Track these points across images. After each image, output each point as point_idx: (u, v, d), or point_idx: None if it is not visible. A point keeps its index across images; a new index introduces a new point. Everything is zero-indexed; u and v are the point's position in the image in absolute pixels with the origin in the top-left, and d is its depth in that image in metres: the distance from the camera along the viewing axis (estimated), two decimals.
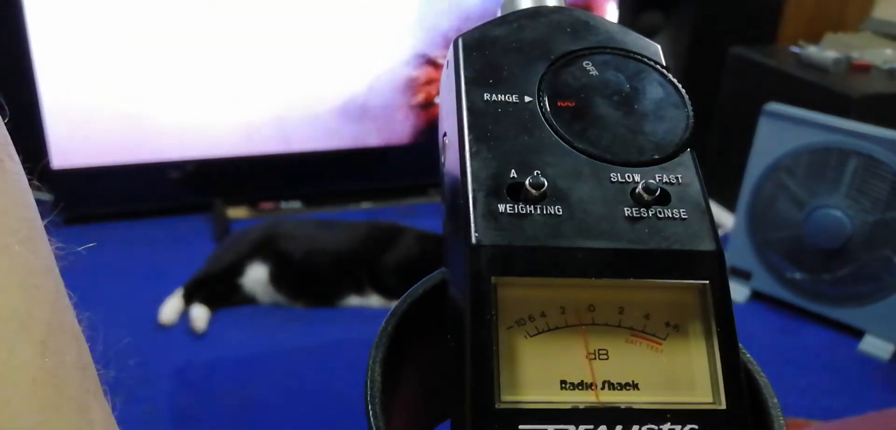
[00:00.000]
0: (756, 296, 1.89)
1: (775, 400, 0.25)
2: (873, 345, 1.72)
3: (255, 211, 2.21)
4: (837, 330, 1.79)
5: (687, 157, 0.25)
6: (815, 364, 1.71)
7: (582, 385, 0.22)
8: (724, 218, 2.11)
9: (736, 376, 0.22)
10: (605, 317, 0.23)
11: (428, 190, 2.34)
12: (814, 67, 2.00)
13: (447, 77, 0.29)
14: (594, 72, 0.27)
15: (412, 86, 2.24)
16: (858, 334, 1.76)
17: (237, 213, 2.17)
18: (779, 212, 1.79)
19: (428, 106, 2.27)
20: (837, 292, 1.77)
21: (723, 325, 0.22)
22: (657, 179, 0.24)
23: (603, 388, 0.22)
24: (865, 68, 2.01)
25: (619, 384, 0.22)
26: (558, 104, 0.26)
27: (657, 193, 0.24)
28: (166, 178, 2.11)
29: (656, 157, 0.25)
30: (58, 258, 0.24)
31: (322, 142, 2.21)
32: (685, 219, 0.24)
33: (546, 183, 0.23)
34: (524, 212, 0.23)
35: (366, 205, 2.28)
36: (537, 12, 0.30)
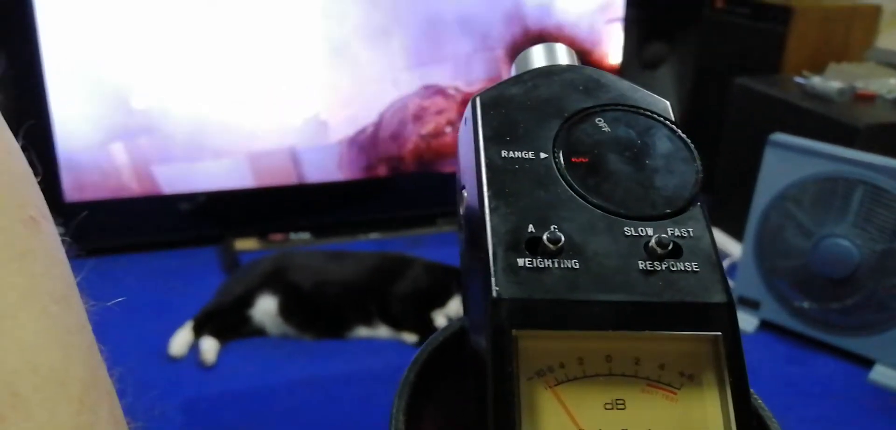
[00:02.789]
0: (764, 325, 1.89)
1: None
2: (884, 375, 1.71)
3: (265, 243, 2.23)
4: (847, 360, 1.78)
5: (697, 210, 0.26)
6: (824, 394, 1.70)
7: None
8: (732, 247, 2.11)
9: (748, 425, 0.23)
10: (622, 368, 0.24)
11: (436, 220, 2.35)
12: (818, 97, 2.02)
13: (465, 133, 0.30)
14: (606, 128, 0.29)
15: (422, 116, 2.26)
16: (868, 363, 1.75)
17: (246, 244, 2.19)
18: (786, 241, 1.80)
19: (437, 136, 2.30)
20: (846, 322, 1.76)
21: (735, 375, 0.23)
22: (669, 233, 0.25)
23: None
24: (870, 98, 2.02)
25: None
26: (572, 160, 0.27)
27: (670, 247, 0.25)
28: (176, 210, 2.13)
29: (668, 211, 0.26)
30: (88, 311, 0.25)
31: (331, 173, 2.24)
32: (697, 272, 0.25)
33: (563, 237, 0.24)
34: (542, 266, 0.24)
35: (374, 235, 2.29)
36: (550, 71, 0.31)
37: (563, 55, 0.33)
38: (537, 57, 0.33)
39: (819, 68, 2.20)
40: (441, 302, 1.81)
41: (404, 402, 0.28)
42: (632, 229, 0.26)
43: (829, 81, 2.04)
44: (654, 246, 0.25)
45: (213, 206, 2.16)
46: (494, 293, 0.24)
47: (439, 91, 2.26)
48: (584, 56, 2.35)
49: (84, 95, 1.96)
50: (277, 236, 2.25)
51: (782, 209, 1.79)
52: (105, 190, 2.05)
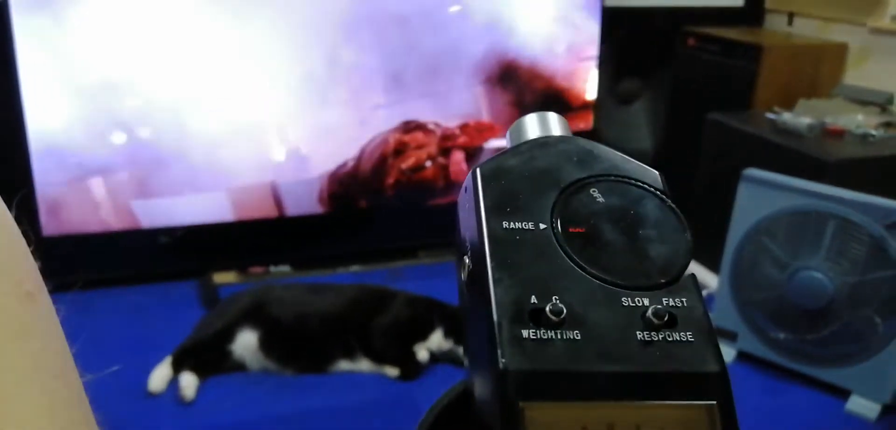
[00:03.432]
0: (741, 356, 1.91)
1: None
2: (860, 405, 1.75)
3: (244, 276, 2.21)
4: (824, 390, 1.81)
5: (689, 279, 0.28)
6: (801, 425, 1.73)
7: None
8: (709, 279, 2.15)
9: None
10: None
11: (417, 253, 2.36)
12: (789, 132, 2.07)
13: (465, 201, 0.32)
14: (600, 199, 0.30)
15: (402, 150, 2.28)
16: (845, 393, 1.78)
17: (226, 278, 2.17)
18: (761, 273, 1.83)
19: (417, 170, 2.31)
20: (822, 353, 1.80)
21: None
22: (664, 303, 0.27)
23: None
24: (839, 133, 2.08)
25: None
26: (570, 230, 0.29)
27: (666, 318, 0.26)
28: (155, 244, 2.12)
29: (662, 281, 0.27)
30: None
31: (312, 206, 2.24)
32: (692, 342, 0.26)
33: (564, 309, 0.26)
34: (546, 337, 0.25)
35: (355, 268, 2.29)
36: (546, 142, 0.32)
37: (556, 124, 0.35)
38: (531, 126, 0.35)
39: (789, 104, 2.26)
40: (423, 335, 1.82)
41: None
42: (629, 299, 0.27)
43: (799, 117, 2.10)
44: (651, 317, 0.26)
45: (193, 239, 2.15)
46: (502, 365, 0.24)
47: (419, 127, 2.28)
48: (562, 93, 2.40)
49: (62, 128, 1.95)
50: (257, 269, 2.24)
51: (757, 242, 1.83)
52: (83, 224, 2.02)
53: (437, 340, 1.82)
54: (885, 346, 1.71)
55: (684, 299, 0.27)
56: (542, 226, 0.28)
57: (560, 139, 0.33)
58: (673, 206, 0.30)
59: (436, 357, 1.82)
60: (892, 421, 1.69)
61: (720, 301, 1.92)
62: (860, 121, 2.13)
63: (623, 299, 0.27)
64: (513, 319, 0.26)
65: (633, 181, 0.31)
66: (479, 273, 0.28)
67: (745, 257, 1.86)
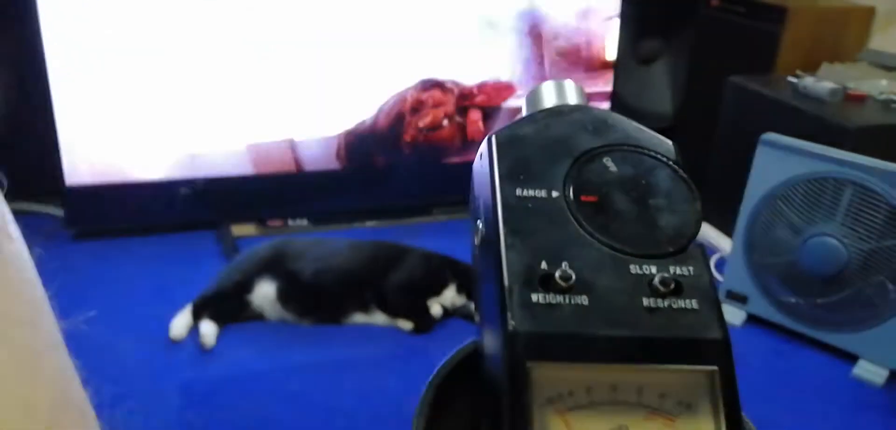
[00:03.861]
0: (752, 319, 1.93)
1: None
2: (867, 370, 1.76)
3: (263, 229, 2.25)
4: (832, 354, 1.82)
5: (697, 249, 0.29)
6: (808, 388, 1.75)
7: None
8: (722, 242, 2.15)
9: None
10: (626, 396, 0.26)
11: (432, 210, 2.38)
12: (810, 98, 2.05)
13: (480, 168, 0.33)
14: (613, 168, 0.31)
15: (420, 108, 2.28)
16: (852, 358, 1.79)
17: (245, 230, 2.21)
18: (775, 238, 1.83)
19: (434, 129, 2.31)
20: (832, 317, 1.80)
21: (729, 404, 0.26)
22: (671, 272, 0.28)
23: None
24: (861, 99, 2.05)
25: None
26: (582, 199, 0.30)
27: (672, 286, 0.27)
28: (175, 195, 2.15)
29: (670, 249, 0.29)
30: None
31: (329, 162, 2.25)
32: (696, 309, 0.27)
33: (574, 275, 0.27)
34: (555, 302, 0.27)
35: (371, 223, 2.31)
36: (560, 111, 0.33)
37: (572, 92, 0.36)
38: (548, 93, 0.36)
39: (813, 68, 2.23)
40: (436, 291, 1.84)
41: (423, 422, 0.31)
42: (637, 267, 0.28)
43: (821, 82, 2.07)
44: (658, 284, 0.27)
45: (212, 192, 2.17)
46: (511, 327, 0.26)
47: (437, 85, 2.27)
48: (581, 52, 2.37)
49: (85, 79, 1.97)
50: (276, 223, 2.27)
51: (772, 207, 1.83)
52: (104, 175, 2.06)
53: (450, 295, 1.84)
54: (895, 312, 1.71)
55: (691, 268, 0.28)
56: (554, 194, 0.30)
57: (575, 108, 0.34)
58: (685, 176, 0.31)
59: (448, 312, 1.86)
60: None
61: (732, 264, 1.93)
62: (884, 86, 2.09)
63: (631, 266, 0.28)
64: (523, 283, 0.27)
65: (646, 151, 0.31)
66: (492, 238, 0.29)
67: (759, 221, 1.86)
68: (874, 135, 1.90)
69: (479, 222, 0.32)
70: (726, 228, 2.06)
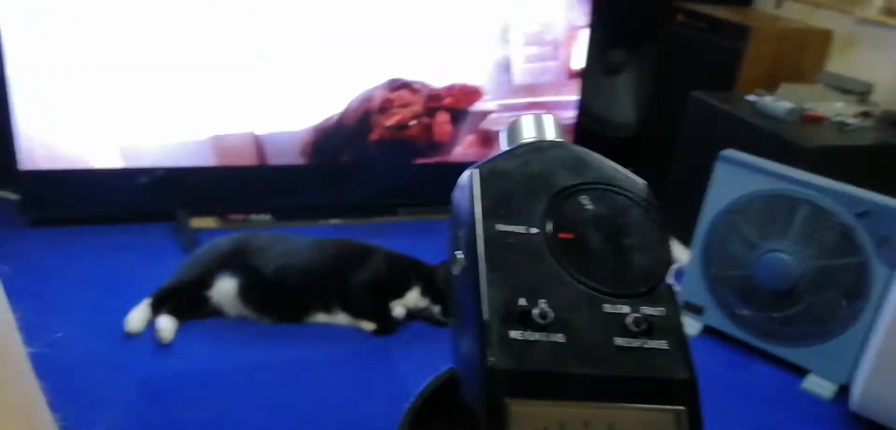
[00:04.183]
0: (707, 330, 1.97)
1: None
2: (817, 384, 1.82)
3: (224, 222, 2.21)
4: (783, 368, 1.88)
5: (667, 289, 0.30)
6: (760, 399, 1.80)
7: None
8: (680, 253, 2.20)
9: None
10: None
11: (397, 210, 2.37)
12: (768, 116, 2.10)
13: (461, 198, 0.33)
14: (589, 206, 0.32)
15: (387, 108, 2.27)
16: (803, 372, 1.85)
17: (205, 223, 2.17)
18: (732, 252, 1.88)
19: (402, 128, 2.31)
20: (784, 332, 1.86)
21: None
22: (643, 312, 0.29)
23: None
24: (818, 120, 2.12)
25: None
26: (559, 236, 0.31)
27: (644, 327, 0.28)
28: (134, 184, 2.10)
29: (642, 289, 0.30)
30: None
31: (294, 158, 2.23)
32: (666, 350, 0.28)
33: (551, 313, 0.28)
34: (532, 339, 0.27)
35: (336, 221, 2.30)
36: (539, 147, 0.34)
37: (551, 127, 0.37)
38: (527, 126, 0.37)
39: (773, 86, 2.29)
40: (399, 293, 1.84)
41: None
42: (610, 306, 0.29)
43: (779, 101, 2.13)
44: (630, 325, 0.28)
45: (173, 182, 2.13)
46: (490, 363, 0.27)
47: (405, 85, 2.27)
48: (549, 60, 2.40)
49: (44, 63, 1.91)
50: (237, 217, 2.24)
51: (730, 222, 1.88)
52: (61, 161, 2.00)
53: (413, 297, 1.84)
54: (845, 329, 1.77)
55: (662, 309, 0.29)
56: (533, 230, 0.30)
57: (554, 144, 0.35)
58: (656, 217, 0.32)
59: (412, 314, 1.86)
60: (845, 401, 1.76)
61: (690, 276, 1.97)
62: (839, 109, 2.16)
63: (605, 305, 0.29)
64: (502, 319, 0.28)
65: (620, 191, 0.32)
66: (472, 271, 0.29)
67: (717, 234, 1.90)
68: (829, 155, 1.96)
69: (459, 252, 0.33)
70: (684, 238, 2.11)
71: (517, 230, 0.30)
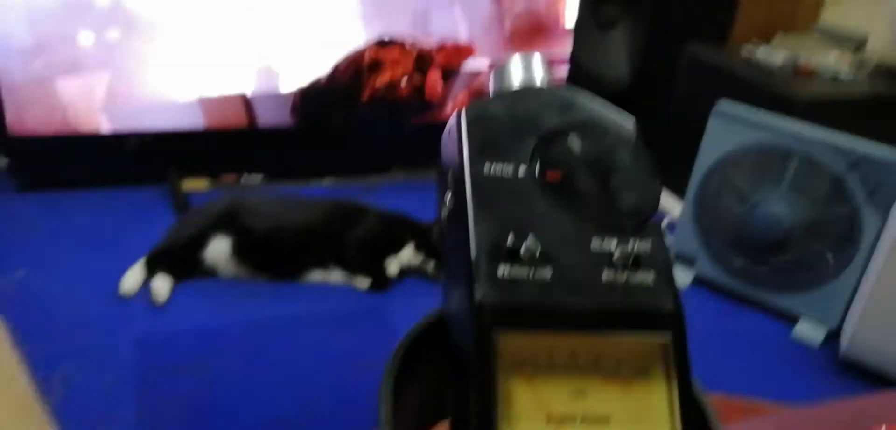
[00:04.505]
0: (698, 281, 1.99)
1: (721, 426, 0.30)
2: (807, 331, 1.85)
3: (215, 183, 2.21)
4: (774, 316, 1.90)
5: (655, 225, 0.30)
6: (751, 347, 1.82)
7: (565, 419, 0.27)
8: (673, 205, 2.21)
9: (690, 415, 0.27)
10: (585, 362, 0.28)
11: (390, 169, 2.37)
12: (762, 68, 2.10)
13: (449, 143, 0.33)
14: (578, 146, 0.32)
15: (377, 67, 2.25)
16: (794, 319, 1.87)
17: (197, 185, 2.17)
18: (724, 204, 1.89)
19: (392, 88, 2.29)
20: (775, 280, 1.88)
21: (681, 371, 0.28)
22: (630, 247, 0.29)
23: (582, 421, 0.27)
24: (811, 72, 2.11)
25: (595, 417, 0.27)
26: (547, 175, 0.31)
27: (630, 261, 0.29)
28: (124, 148, 2.09)
29: (630, 225, 0.30)
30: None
31: (284, 120, 2.22)
32: (652, 283, 0.29)
33: (538, 249, 0.28)
34: (520, 275, 0.28)
35: (328, 181, 2.29)
36: (528, 88, 0.34)
37: (539, 67, 0.36)
38: (515, 68, 0.36)
39: (769, 38, 2.28)
40: (394, 250, 1.85)
41: (389, 388, 0.31)
42: (598, 241, 0.29)
43: (773, 54, 2.12)
44: (618, 259, 0.28)
45: (162, 145, 2.12)
46: (478, 298, 0.27)
47: (396, 43, 2.25)
48: (541, 15, 2.37)
49: (28, 27, 1.88)
50: (229, 178, 2.23)
51: (722, 174, 1.88)
52: (51, 125, 1.99)
53: (407, 254, 1.85)
54: (835, 276, 1.80)
55: (649, 244, 0.29)
56: (521, 170, 0.30)
57: (542, 85, 0.34)
58: (645, 155, 0.32)
59: (406, 271, 1.87)
60: (834, 346, 1.79)
61: (682, 227, 1.98)
62: (832, 61, 2.16)
63: (593, 241, 0.29)
64: (490, 256, 0.28)
65: (608, 129, 0.32)
66: (460, 211, 0.30)
67: (710, 187, 1.91)
68: (821, 107, 1.96)
69: (447, 194, 0.33)
70: (678, 191, 2.12)
71: (505, 171, 0.31)
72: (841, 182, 1.73)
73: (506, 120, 0.32)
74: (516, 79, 0.35)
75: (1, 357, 0.21)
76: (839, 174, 1.73)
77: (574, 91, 0.34)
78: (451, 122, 0.33)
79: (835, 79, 2.09)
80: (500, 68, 0.36)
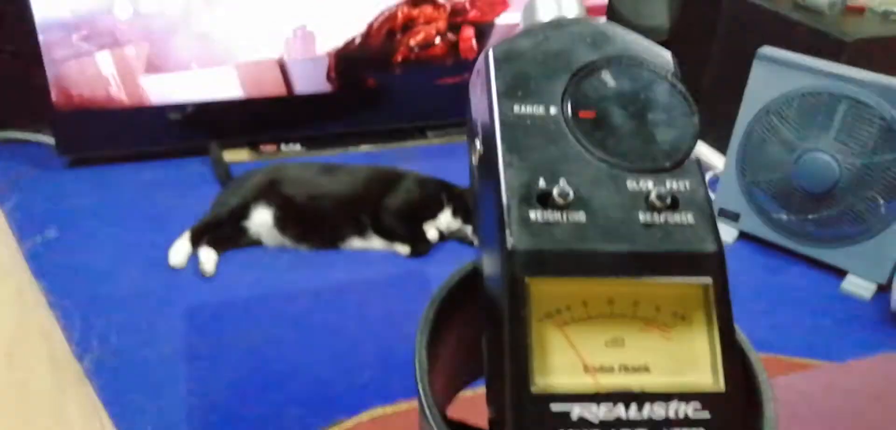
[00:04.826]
0: (743, 236, 1.95)
1: (765, 375, 0.29)
2: (856, 285, 1.79)
3: (256, 154, 2.23)
4: (821, 270, 1.85)
5: (693, 164, 0.29)
6: (798, 302, 1.78)
7: (602, 369, 0.26)
8: (716, 160, 2.15)
9: (733, 361, 0.26)
10: (622, 309, 0.27)
11: (426, 133, 2.36)
12: (809, 9, 2.02)
13: (478, 84, 0.32)
14: (611, 82, 0.30)
15: (411, 26, 2.24)
16: (842, 273, 1.82)
17: (237, 156, 2.20)
18: (769, 155, 1.83)
19: (426, 46, 2.28)
20: (823, 234, 1.83)
21: (722, 316, 0.26)
22: (668, 187, 0.28)
23: (620, 371, 0.26)
24: (860, 10, 2.02)
25: (634, 367, 0.26)
26: (580, 114, 0.29)
27: (668, 201, 0.27)
28: (165, 121, 2.13)
29: (667, 165, 0.29)
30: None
31: (320, 84, 2.22)
32: (692, 224, 0.27)
33: (571, 192, 0.27)
34: (552, 219, 0.27)
35: (365, 147, 2.30)
36: (559, 23, 0.33)
37: (571, 3, 0.35)
38: (545, 5, 0.35)
39: None
40: (432, 215, 1.85)
41: (426, 338, 0.31)
42: (634, 182, 0.28)
43: None
44: (654, 200, 0.27)
45: (203, 116, 2.15)
46: (510, 245, 0.26)
47: (428, 0, 2.22)
48: None
49: (67, 2, 1.92)
50: (269, 148, 2.25)
51: (766, 123, 1.82)
52: (93, 101, 2.03)
53: (445, 219, 1.85)
54: (885, 227, 1.73)
55: (687, 183, 0.28)
56: (552, 110, 0.29)
57: (573, 21, 0.33)
58: (682, 90, 0.31)
59: (444, 236, 1.87)
60: (884, 300, 1.74)
61: (725, 182, 1.93)
62: None
63: (628, 181, 0.28)
64: (521, 201, 0.27)
65: (644, 64, 0.31)
66: (490, 157, 0.29)
67: (754, 137, 1.85)
68: (871, 47, 1.88)
69: (476, 140, 0.32)
70: (721, 145, 2.06)
71: (536, 111, 0.29)
72: (892, 125, 1.66)
73: (536, 57, 0.31)
74: (546, 16, 0.34)
75: (34, 315, 0.21)
76: (890, 117, 1.66)
77: (607, 24, 0.32)
78: (479, 62, 0.32)
79: (886, 16, 2.00)
80: (529, 5, 0.35)
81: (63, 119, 2.02)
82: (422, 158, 2.20)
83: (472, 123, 0.33)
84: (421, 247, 1.83)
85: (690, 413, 0.26)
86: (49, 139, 2.13)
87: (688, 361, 0.26)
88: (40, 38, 1.91)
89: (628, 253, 0.27)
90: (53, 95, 1.98)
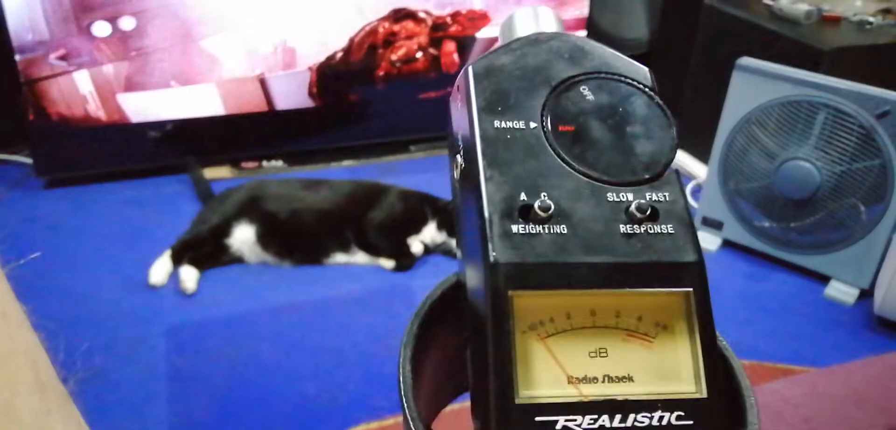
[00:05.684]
0: (727, 244, 1.96)
1: (747, 381, 0.29)
2: (839, 290, 1.81)
3: (238, 171, 2.22)
4: (805, 276, 1.87)
5: (672, 175, 0.29)
6: (782, 309, 1.79)
7: (586, 380, 0.26)
8: (697, 169, 2.17)
9: (714, 369, 0.26)
10: (604, 320, 0.27)
11: (409, 147, 2.36)
12: (786, 20, 2.04)
13: (459, 100, 0.32)
14: (590, 96, 0.31)
15: (392, 41, 2.24)
16: (825, 279, 1.84)
17: (219, 173, 2.18)
18: (750, 164, 1.85)
19: (408, 61, 2.28)
20: (805, 240, 1.84)
21: (704, 324, 0.26)
22: (648, 198, 0.28)
23: (603, 381, 0.26)
24: (836, 20, 2.05)
25: (617, 376, 0.26)
26: (560, 129, 0.30)
27: (648, 212, 0.27)
28: (145, 139, 2.11)
29: (646, 176, 0.29)
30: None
31: (302, 100, 2.22)
32: (672, 234, 0.27)
33: (552, 205, 0.27)
34: (534, 232, 0.27)
35: (348, 163, 2.29)
36: (537, 39, 0.33)
37: (548, 19, 0.35)
38: (523, 21, 0.35)
39: None
40: (416, 228, 1.85)
41: (409, 352, 0.31)
42: (614, 194, 0.28)
43: (797, 3, 2.06)
44: (634, 211, 0.27)
45: (183, 134, 2.14)
46: (492, 258, 0.26)
47: (409, 15, 2.23)
48: None
49: (44, 21, 1.90)
50: (250, 165, 2.24)
51: (747, 132, 1.84)
52: (71, 119, 2.01)
53: (430, 232, 1.85)
54: (866, 233, 1.75)
55: (666, 193, 0.28)
56: (532, 125, 0.29)
57: (552, 36, 0.33)
58: (660, 103, 0.31)
59: (429, 249, 1.87)
60: (867, 305, 1.76)
61: (708, 191, 1.95)
62: (858, 7, 2.10)
63: (608, 194, 0.28)
64: (503, 214, 0.27)
65: (622, 79, 0.31)
66: (472, 171, 0.29)
67: (735, 147, 1.87)
68: (848, 56, 1.91)
69: (458, 155, 0.32)
70: (702, 155, 2.08)
71: (516, 126, 0.30)
72: (870, 134, 1.69)
73: (515, 72, 0.31)
74: (524, 31, 0.34)
75: (19, 337, 0.21)
76: (868, 125, 1.69)
77: (585, 39, 0.33)
78: (459, 79, 0.32)
79: (862, 26, 2.03)
80: (507, 22, 0.35)
81: (41, 138, 2.00)
82: (405, 172, 2.20)
83: (453, 138, 0.33)
84: (405, 261, 1.83)
85: (674, 421, 0.26)
86: (27, 159, 2.10)
87: (671, 369, 0.26)
88: (17, 57, 1.89)
89: (610, 264, 0.27)
90: (30, 115, 1.95)
